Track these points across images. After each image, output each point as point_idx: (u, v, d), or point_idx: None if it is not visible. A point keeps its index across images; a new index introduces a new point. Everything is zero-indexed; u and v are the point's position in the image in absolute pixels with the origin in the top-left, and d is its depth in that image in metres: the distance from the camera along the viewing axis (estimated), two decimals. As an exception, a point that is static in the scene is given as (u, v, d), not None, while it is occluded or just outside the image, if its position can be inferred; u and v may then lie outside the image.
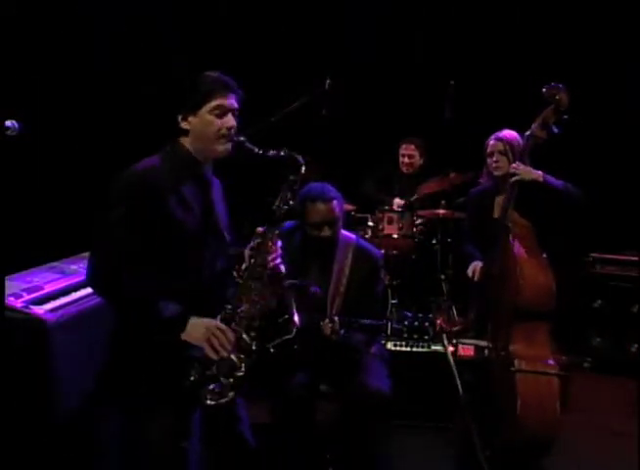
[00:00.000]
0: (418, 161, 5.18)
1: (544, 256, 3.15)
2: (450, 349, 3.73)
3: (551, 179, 3.30)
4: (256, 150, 2.16)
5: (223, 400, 2.09)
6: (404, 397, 3.43)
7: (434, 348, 3.77)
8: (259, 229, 2.22)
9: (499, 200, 3.55)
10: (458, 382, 2.99)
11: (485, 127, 3.70)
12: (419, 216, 4.91)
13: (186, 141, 2.17)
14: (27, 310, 2.53)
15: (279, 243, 2.24)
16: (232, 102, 2.14)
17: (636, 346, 4.72)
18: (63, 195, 4.44)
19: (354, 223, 4.92)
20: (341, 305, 2.96)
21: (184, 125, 2.14)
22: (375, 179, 5.31)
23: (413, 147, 5.16)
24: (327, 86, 4.52)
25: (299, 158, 2.20)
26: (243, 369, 2.11)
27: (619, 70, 5.00)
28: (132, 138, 4.59)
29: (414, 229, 4.83)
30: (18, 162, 2.42)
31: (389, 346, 3.74)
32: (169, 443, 2.09)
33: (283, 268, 2.26)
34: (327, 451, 3.04)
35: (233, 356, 2.09)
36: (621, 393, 4.31)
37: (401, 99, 5.43)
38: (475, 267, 3.48)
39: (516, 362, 2.94)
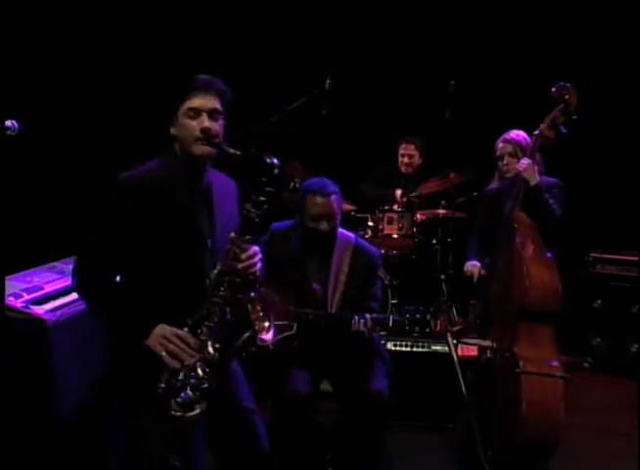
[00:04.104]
0: (417, 161, 5.17)
1: (549, 255, 3.13)
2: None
3: (544, 192, 3.26)
4: (231, 151, 2.04)
5: (190, 414, 1.99)
6: (404, 397, 3.43)
7: (434, 348, 3.77)
8: (231, 235, 2.06)
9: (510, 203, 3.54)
10: (461, 381, 2.98)
11: (486, 127, 3.69)
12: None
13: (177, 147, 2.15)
14: (27, 310, 2.54)
15: (255, 248, 2.11)
16: (207, 102, 2.05)
17: (636, 346, 4.72)
18: (63, 195, 4.44)
19: (354, 223, 4.91)
20: (339, 302, 2.98)
21: (173, 132, 2.12)
22: (374, 179, 5.30)
23: (413, 147, 5.13)
24: (327, 86, 4.52)
25: (272, 159, 2.00)
26: (206, 382, 2.01)
27: (619, 69, 5.00)
28: (132, 138, 4.59)
29: (414, 229, 4.83)
30: (17, 162, 2.42)
31: (390, 346, 3.75)
32: (170, 446, 2.07)
33: (257, 275, 2.13)
34: (327, 451, 3.04)
35: (199, 369, 2.01)
36: (621, 393, 4.30)
37: (401, 98, 5.43)
38: (471, 269, 3.46)
39: (520, 364, 2.93)
